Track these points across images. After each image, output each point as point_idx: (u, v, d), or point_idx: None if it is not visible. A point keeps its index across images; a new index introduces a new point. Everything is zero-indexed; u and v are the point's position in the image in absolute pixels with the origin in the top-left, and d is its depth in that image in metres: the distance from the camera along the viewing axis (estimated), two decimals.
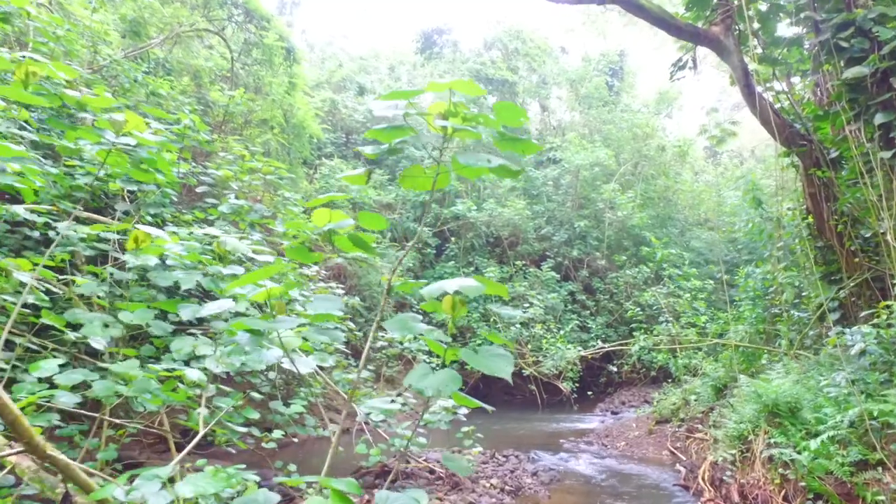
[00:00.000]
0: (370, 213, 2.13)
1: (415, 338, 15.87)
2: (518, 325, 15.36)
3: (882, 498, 4.44)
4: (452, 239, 19.74)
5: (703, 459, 8.20)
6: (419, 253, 19.57)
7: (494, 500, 6.85)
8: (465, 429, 7.33)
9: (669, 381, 14.04)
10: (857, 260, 8.99)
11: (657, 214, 23.38)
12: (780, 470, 5.68)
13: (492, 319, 17.22)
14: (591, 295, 19.94)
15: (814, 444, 5.13)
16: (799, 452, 5.32)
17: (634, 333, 11.18)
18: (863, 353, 5.00)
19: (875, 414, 4.78)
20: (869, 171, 7.30)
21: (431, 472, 7.73)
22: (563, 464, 9.45)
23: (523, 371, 15.69)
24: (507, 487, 7.64)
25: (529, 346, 15.23)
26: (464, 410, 7.09)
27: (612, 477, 8.67)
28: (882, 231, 7.55)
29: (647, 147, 25.01)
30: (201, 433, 3.24)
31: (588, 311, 18.30)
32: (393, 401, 7.30)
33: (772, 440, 6.20)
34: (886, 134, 6.69)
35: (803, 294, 8.96)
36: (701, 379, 11.37)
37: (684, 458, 9.17)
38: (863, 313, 8.34)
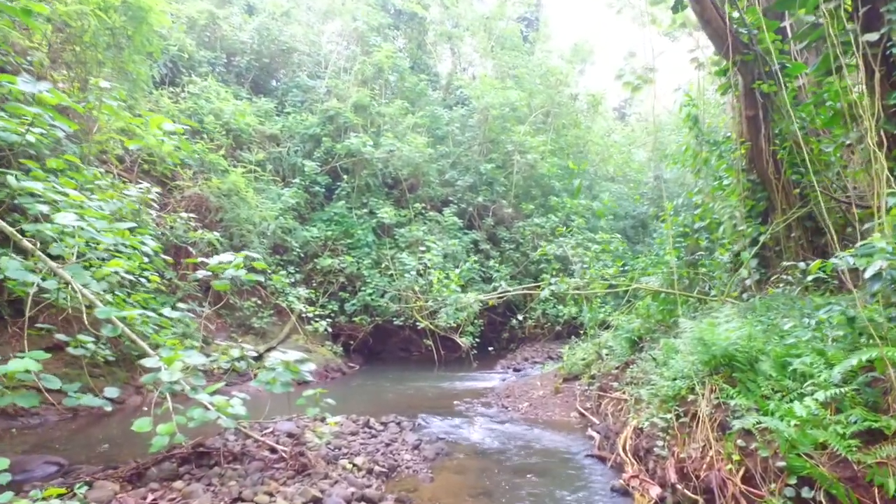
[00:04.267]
0: None
1: (292, 281, 13.43)
2: (413, 273, 13.43)
3: None
4: (345, 177, 17.29)
5: (622, 424, 6.72)
6: (307, 192, 16.99)
7: (353, 490, 4.88)
8: (307, 392, 5.23)
9: (576, 335, 12.82)
10: (796, 191, 7.79)
11: (568, 166, 22.21)
12: (740, 441, 4.13)
13: (384, 265, 15.17)
14: (496, 245, 18.41)
15: (799, 407, 3.56)
16: (771, 417, 3.76)
17: (543, 277, 9.55)
18: (878, 276, 3.44)
19: None
20: (838, 70, 5.89)
21: (273, 450, 5.63)
22: (455, 431, 7.70)
23: (418, 324, 13.86)
24: (376, 468, 5.72)
25: (426, 297, 13.36)
26: (310, 367, 4.99)
27: (512, 447, 7.03)
28: (852, 141, 6.23)
29: (560, 95, 23.65)
30: None
31: (492, 261, 16.73)
32: (208, 354, 5.08)
33: (722, 400, 4.67)
34: (873, 11, 5.20)
35: (739, 228, 7.65)
36: (613, 332, 10.06)
37: (597, 422, 7.73)
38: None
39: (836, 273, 6.66)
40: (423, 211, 17.56)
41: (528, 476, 5.87)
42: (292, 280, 14.23)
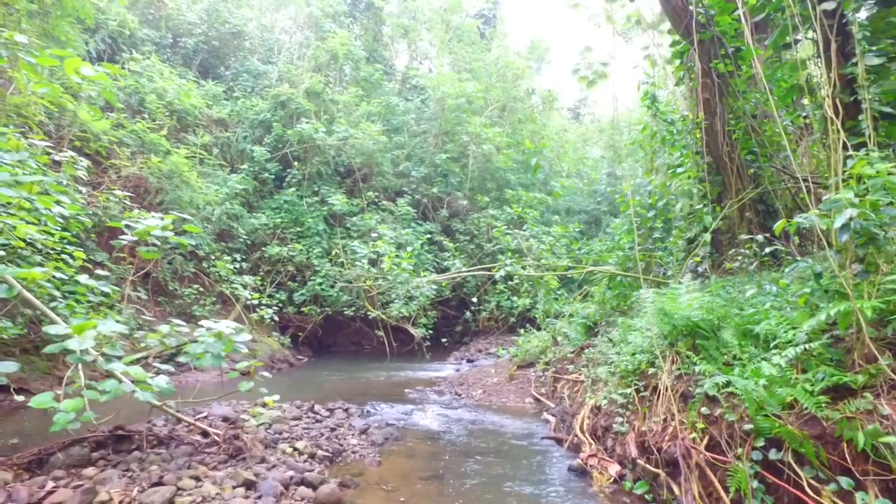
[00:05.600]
0: None
1: (236, 268, 12.79)
2: (364, 261, 12.96)
3: (891, 439, 2.76)
4: (296, 164, 16.64)
5: (578, 405, 6.51)
6: (256, 179, 16.26)
7: (292, 474, 4.46)
8: (240, 364, 4.76)
9: (531, 326, 12.67)
10: (750, 172, 7.81)
11: (523, 160, 22.15)
12: (704, 409, 3.94)
13: (334, 253, 14.63)
14: (450, 237, 18.13)
15: (767, 367, 3.38)
16: (738, 378, 3.57)
17: (499, 264, 9.26)
18: (846, 226, 3.28)
19: (868, 311, 3.09)
20: (796, 42, 5.87)
21: (205, 434, 5.13)
22: (406, 418, 7.33)
23: (369, 315, 13.39)
24: (320, 452, 5.30)
25: (378, 286, 12.89)
26: (245, 337, 4.51)
27: (465, 432, 6.72)
28: (808, 112, 6.23)
29: (516, 89, 23.63)
30: None
31: (446, 254, 16.42)
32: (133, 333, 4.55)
33: (684, 371, 4.49)
34: None
35: (696, 208, 7.59)
36: (568, 318, 9.92)
37: (552, 406, 7.51)
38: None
39: (790, 252, 6.68)
40: (377, 200, 17.11)
41: (482, 459, 5.57)
42: (238, 268, 13.53)
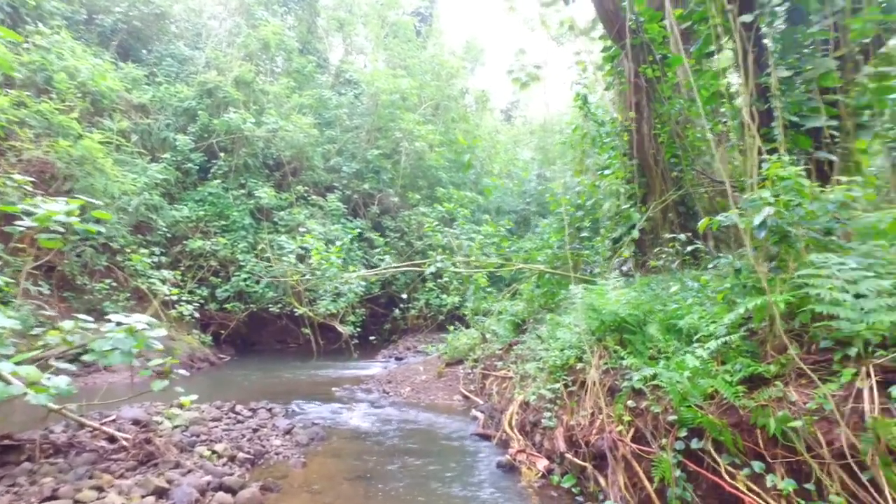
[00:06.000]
0: None
1: (154, 262, 12.06)
2: (292, 257, 12.52)
3: (797, 423, 2.91)
4: (222, 155, 15.86)
5: (507, 401, 6.54)
6: (178, 169, 15.34)
7: (210, 479, 4.18)
8: (153, 362, 4.43)
9: (460, 323, 12.70)
10: (674, 174, 8.18)
11: (455, 159, 22.23)
12: (630, 402, 4.03)
13: (260, 248, 14.07)
14: (381, 234, 17.91)
15: (691, 359, 3.50)
16: (664, 370, 3.67)
17: (429, 260, 9.19)
18: (763, 224, 3.45)
19: (781, 305, 3.25)
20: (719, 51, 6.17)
21: (112, 440, 4.73)
22: (332, 417, 7.13)
23: (295, 311, 12.95)
24: (240, 454, 5.03)
25: (305, 281, 12.47)
26: (160, 332, 4.19)
27: (393, 430, 6.60)
28: (727, 118, 6.57)
29: (450, 88, 23.71)
30: None
31: (376, 250, 16.15)
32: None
33: (611, 366, 4.58)
34: None
35: (623, 207, 7.84)
36: (497, 316, 10.00)
37: (481, 402, 7.52)
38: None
39: (708, 251, 7.03)
40: (306, 195, 16.62)
41: (410, 457, 5.47)
42: (156, 262, 12.72)
